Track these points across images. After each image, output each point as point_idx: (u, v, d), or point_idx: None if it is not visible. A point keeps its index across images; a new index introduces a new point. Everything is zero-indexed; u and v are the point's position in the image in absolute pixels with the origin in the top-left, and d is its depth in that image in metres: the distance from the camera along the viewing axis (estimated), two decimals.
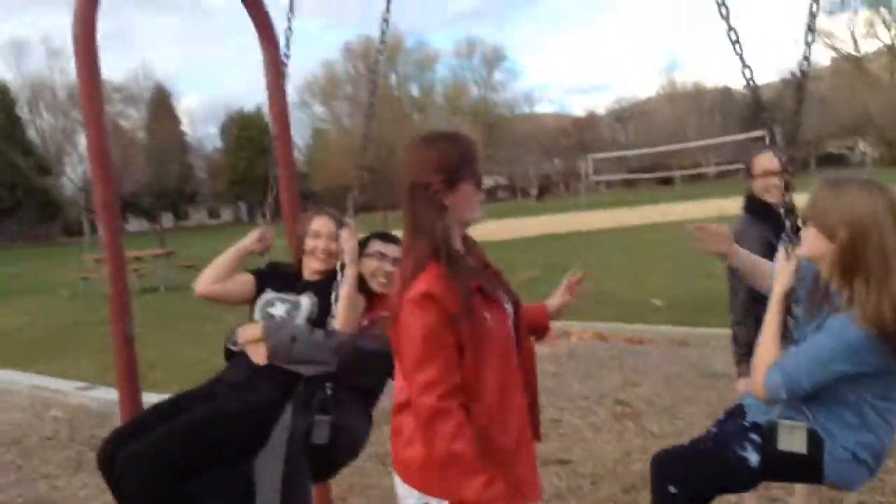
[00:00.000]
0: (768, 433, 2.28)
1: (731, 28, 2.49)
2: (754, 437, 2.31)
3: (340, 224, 2.88)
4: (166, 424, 2.56)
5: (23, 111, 61.17)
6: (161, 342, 9.03)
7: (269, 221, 3.29)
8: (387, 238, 2.93)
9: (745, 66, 2.50)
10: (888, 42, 68.63)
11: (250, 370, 2.71)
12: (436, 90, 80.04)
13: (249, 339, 2.73)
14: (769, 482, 2.97)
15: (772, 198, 3.21)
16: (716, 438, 2.43)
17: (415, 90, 77.06)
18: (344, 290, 2.69)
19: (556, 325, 2.54)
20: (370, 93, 3.02)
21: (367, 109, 3.01)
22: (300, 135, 51.31)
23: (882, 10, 67.30)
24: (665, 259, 13.40)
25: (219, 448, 2.56)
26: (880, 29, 68.65)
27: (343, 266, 2.73)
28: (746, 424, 2.37)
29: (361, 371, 2.67)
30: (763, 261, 2.59)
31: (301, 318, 2.83)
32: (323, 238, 2.97)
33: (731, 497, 3.33)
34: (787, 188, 2.39)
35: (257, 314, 2.90)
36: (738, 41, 2.50)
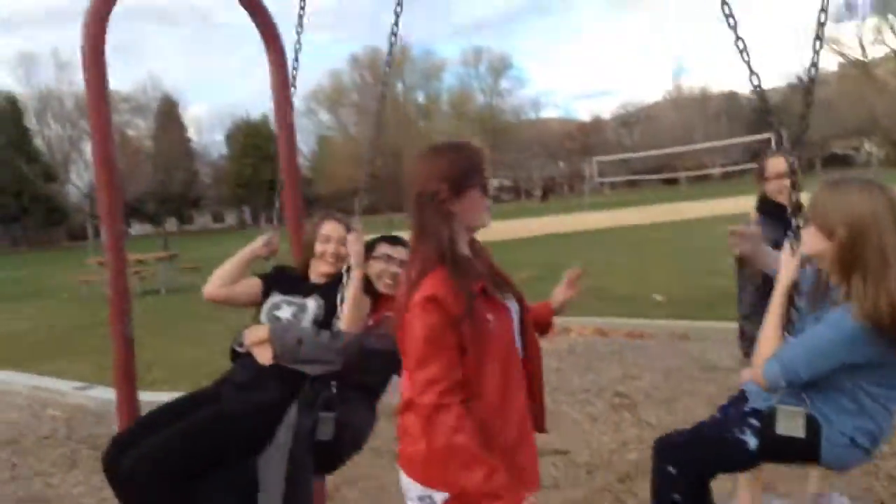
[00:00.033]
0: (768, 418, 2.37)
1: (738, 38, 2.57)
2: (754, 421, 2.40)
3: (349, 228, 2.93)
4: (172, 426, 2.60)
5: (31, 122, 61.67)
6: (160, 343, 9.02)
7: (276, 226, 3.36)
8: (394, 241, 2.98)
9: (752, 73, 2.58)
10: (895, 47, 68.71)
11: (256, 371, 2.76)
12: (442, 98, 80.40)
13: (256, 340, 2.80)
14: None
15: (784, 199, 3.27)
16: (717, 423, 2.52)
17: (421, 98, 77.37)
18: (350, 292, 2.74)
19: (556, 322, 2.55)
20: (379, 104, 3.11)
21: (375, 118, 3.14)
22: (305, 142, 51.87)
23: (890, 16, 67.44)
24: (666, 257, 13.36)
25: (224, 448, 2.60)
26: (888, 35, 68.78)
27: (349, 269, 2.79)
28: (747, 410, 2.46)
29: (366, 370, 2.70)
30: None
31: (307, 320, 2.88)
32: (333, 242, 3.04)
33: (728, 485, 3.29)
34: (794, 187, 2.45)
35: (264, 317, 2.95)
36: (745, 50, 2.56)
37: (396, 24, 2.83)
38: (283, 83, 3.49)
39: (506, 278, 2.18)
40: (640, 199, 45.72)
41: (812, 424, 2.30)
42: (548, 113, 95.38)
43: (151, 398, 6.02)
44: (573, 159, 71.26)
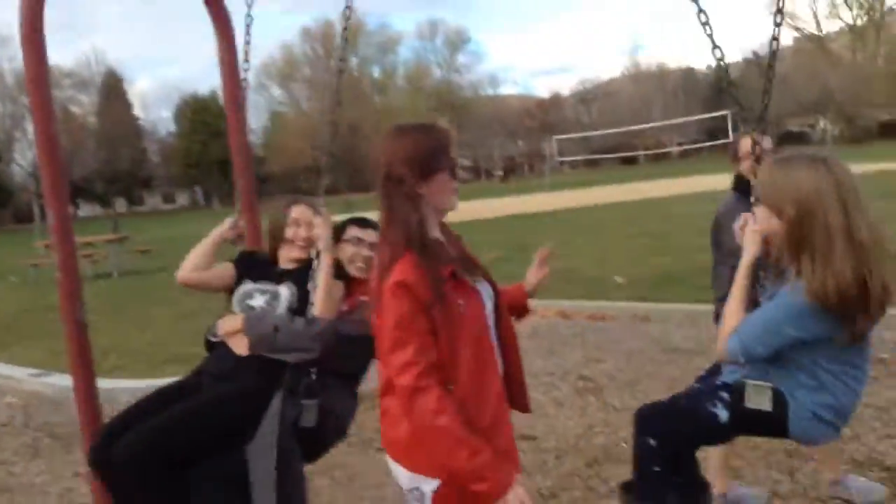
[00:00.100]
0: (737, 392, 2.42)
1: (700, 10, 2.55)
2: (724, 395, 2.45)
3: (317, 212, 2.90)
4: (157, 417, 2.58)
5: None
6: (115, 328, 8.84)
7: (241, 208, 3.33)
8: (363, 223, 2.95)
9: (715, 46, 2.57)
10: (850, 22, 70.06)
11: (234, 361, 2.75)
12: (398, 72, 79.66)
13: (230, 331, 2.79)
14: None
15: None
16: (691, 396, 2.57)
17: (376, 72, 76.61)
18: (321, 278, 2.72)
19: (530, 304, 2.57)
20: (336, 81, 3.04)
21: (333, 97, 3.09)
22: (257, 118, 51.09)
23: None
24: (628, 238, 13.48)
25: (211, 438, 2.59)
26: (843, 9, 70.07)
27: (318, 254, 2.75)
28: (718, 383, 2.53)
29: (344, 355, 2.69)
30: None
31: (281, 307, 2.86)
32: (302, 226, 3.00)
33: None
34: (758, 162, 2.49)
35: (236, 306, 2.92)
36: (707, 22, 2.54)
37: None
38: (230, 56, 3.42)
39: (477, 262, 2.17)
40: (601, 179, 46.09)
41: (779, 399, 2.36)
42: (506, 90, 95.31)
43: (111, 385, 5.96)
44: (532, 138, 71.46)
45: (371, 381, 2.76)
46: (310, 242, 2.94)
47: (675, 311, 7.04)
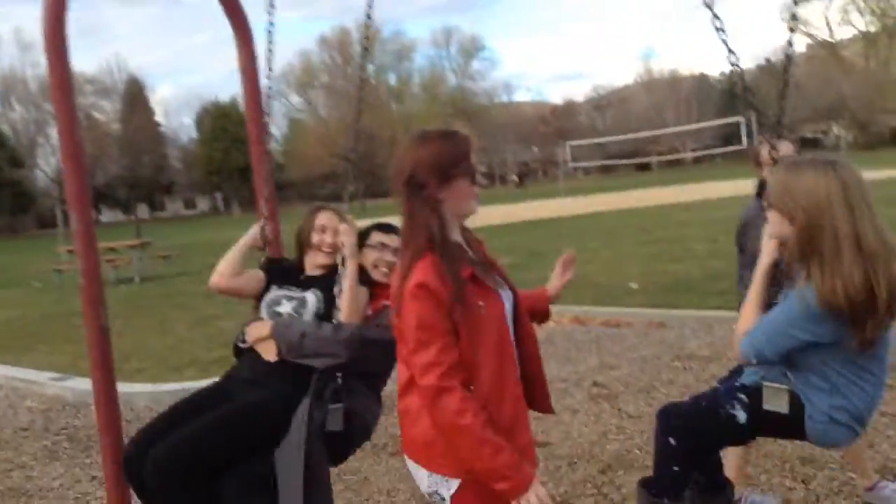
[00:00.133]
0: (755, 394, 2.44)
1: (715, 16, 2.57)
2: (743, 397, 2.48)
3: (343, 219, 2.94)
4: (188, 425, 2.63)
5: None
6: (136, 332, 8.95)
7: (268, 215, 3.36)
8: (387, 229, 2.98)
9: (730, 52, 2.58)
10: (862, 28, 69.64)
11: (263, 366, 2.81)
12: (413, 79, 79.90)
13: (259, 337, 2.84)
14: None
15: None
16: (711, 397, 2.59)
17: (392, 79, 76.85)
18: (346, 284, 2.76)
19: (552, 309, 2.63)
20: (357, 91, 3.14)
21: (354, 106, 3.09)
22: (276, 125, 51.43)
23: None
24: (642, 244, 13.46)
25: (241, 444, 2.64)
26: (854, 16, 69.59)
27: (344, 260, 2.80)
28: (737, 385, 2.56)
29: (369, 360, 2.73)
30: None
31: (308, 314, 2.90)
32: (328, 233, 3.04)
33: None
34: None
35: (264, 312, 2.96)
36: (722, 28, 2.56)
37: (370, 5, 2.81)
38: (250, 64, 3.44)
39: (497, 266, 2.21)
40: (615, 185, 46.00)
41: (795, 401, 2.37)
42: (520, 96, 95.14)
43: (130, 389, 6.05)
44: (547, 144, 71.36)
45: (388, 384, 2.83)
46: (335, 249, 2.97)
47: (690, 317, 7.05)
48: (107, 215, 65.50)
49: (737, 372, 2.71)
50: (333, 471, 4.06)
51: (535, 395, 2.23)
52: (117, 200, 63.45)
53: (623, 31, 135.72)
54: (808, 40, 68.15)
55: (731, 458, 3.33)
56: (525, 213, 25.67)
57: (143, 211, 65.50)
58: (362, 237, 2.96)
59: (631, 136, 49.02)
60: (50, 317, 11.07)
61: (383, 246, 2.94)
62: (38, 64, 53.08)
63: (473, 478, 1.96)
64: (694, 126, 51.64)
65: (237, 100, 54.94)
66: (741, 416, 2.46)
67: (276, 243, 3.46)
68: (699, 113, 66.38)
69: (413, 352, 1.96)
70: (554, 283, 2.59)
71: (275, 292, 3.01)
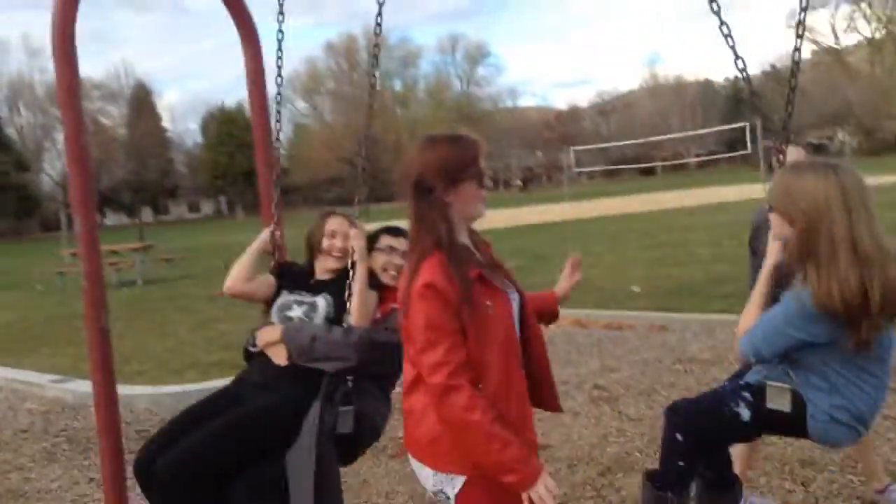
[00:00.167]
0: (758, 392, 2.48)
1: (722, 23, 2.60)
2: (747, 395, 2.51)
3: (353, 223, 2.98)
4: (200, 430, 2.66)
5: (2, 110, 60.69)
6: (138, 334, 8.95)
7: (277, 220, 3.39)
8: (396, 232, 3.01)
9: (737, 57, 2.62)
10: (868, 35, 69.71)
11: (274, 370, 2.82)
12: (419, 85, 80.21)
13: (269, 341, 2.85)
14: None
15: None
16: (718, 394, 2.62)
17: (398, 85, 77.12)
18: (356, 288, 2.79)
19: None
20: (368, 98, 3.10)
21: (365, 111, 3.12)
22: (282, 130, 51.05)
23: (863, 4, 68.30)
24: (645, 248, 13.44)
25: (253, 449, 2.66)
26: (860, 23, 69.70)
27: (353, 264, 2.83)
28: (742, 383, 2.59)
29: (378, 362, 2.75)
30: None
31: (319, 318, 2.92)
32: (338, 237, 3.06)
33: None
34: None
35: (275, 317, 2.98)
36: (729, 34, 2.59)
37: (380, 14, 2.84)
38: (257, 69, 3.46)
39: (504, 268, 2.23)
40: (619, 190, 46.00)
41: (798, 400, 2.40)
42: (525, 102, 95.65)
43: (130, 391, 6.05)
44: (551, 149, 71.41)
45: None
46: (345, 253, 3.00)
47: (691, 320, 7.03)
48: (111, 218, 65.77)
49: (744, 371, 2.72)
50: None
51: (544, 395, 2.25)
52: (122, 204, 63.65)
53: (628, 36, 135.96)
54: (814, 47, 68.32)
55: (734, 459, 3.32)
56: (529, 217, 25.68)
57: (147, 214, 65.74)
58: (371, 241, 2.98)
59: (635, 141, 49.01)
60: (52, 319, 11.09)
61: (392, 249, 2.96)
62: (45, 69, 53.67)
63: (483, 472, 1.98)
64: (699, 131, 51.61)
65: (243, 105, 55.16)
66: (745, 414, 2.49)
67: (280, 247, 3.46)
68: (704, 118, 66.52)
69: (421, 351, 1.97)
70: (562, 284, 2.63)
71: (285, 297, 3.03)
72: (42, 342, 9.15)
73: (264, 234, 3.28)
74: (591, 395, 5.22)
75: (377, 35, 2.92)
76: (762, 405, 2.47)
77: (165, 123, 71.31)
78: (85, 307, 3.01)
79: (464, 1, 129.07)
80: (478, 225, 2.20)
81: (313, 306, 2.96)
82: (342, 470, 4.02)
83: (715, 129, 49.51)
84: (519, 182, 72.32)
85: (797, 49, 2.65)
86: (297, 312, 2.95)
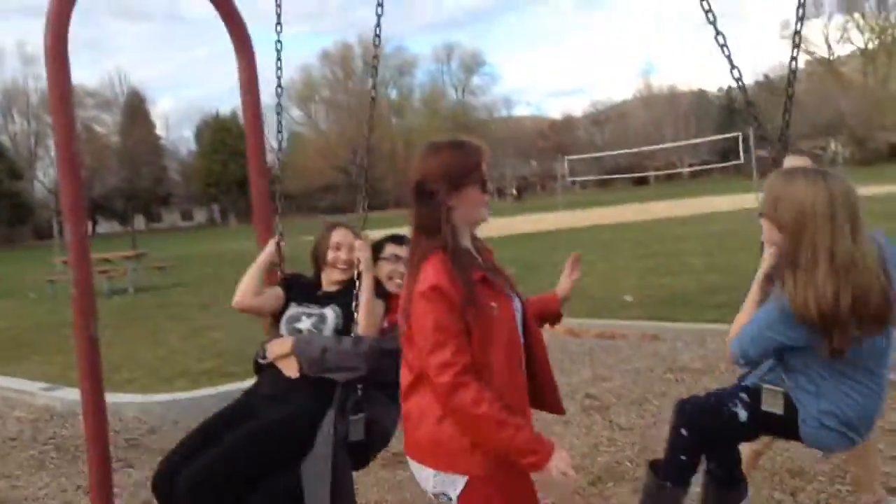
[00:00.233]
0: (755, 394, 2.55)
1: (718, 32, 2.64)
2: (744, 396, 2.59)
3: (357, 235, 3.03)
4: (219, 443, 2.70)
5: None
6: (128, 342, 8.91)
7: (281, 231, 3.44)
8: (400, 240, 3.04)
9: (733, 66, 2.66)
10: (861, 45, 70.23)
11: (285, 382, 2.86)
12: (414, 94, 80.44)
13: (280, 354, 2.89)
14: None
15: None
16: (721, 394, 2.69)
17: (393, 94, 77.28)
18: (363, 298, 2.85)
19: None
20: (369, 109, 3.16)
21: (367, 123, 3.18)
22: (276, 138, 51.05)
23: (856, 15, 68.87)
24: (638, 257, 13.45)
25: (269, 461, 2.71)
26: (854, 33, 70.24)
27: (360, 275, 2.88)
28: (741, 385, 2.67)
29: (387, 370, 2.76)
30: None
31: (328, 329, 2.96)
32: (344, 249, 3.10)
33: None
34: None
35: (284, 329, 3.01)
36: (725, 44, 2.64)
37: (378, 25, 2.91)
38: (250, 77, 3.50)
39: (504, 273, 2.27)
40: (612, 199, 46.09)
41: (790, 403, 2.45)
42: (520, 111, 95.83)
43: (118, 399, 6.01)
44: (545, 158, 71.61)
45: None
46: (351, 265, 3.05)
47: (683, 330, 7.03)
48: (103, 226, 65.61)
49: (750, 372, 2.79)
50: None
51: (547, 398, 2.31)
52: (114, 212, 63.50)
53: (623, 47, 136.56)
54: (808, 57, 68.76)
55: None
56: (523, 226, 25.70)
57: (139, 222, 65.63)
58: (376, 250, 3.02)
59: (629, 150, 49.18)
60: (42, 327, 11.03)
61: (397, 258, 3.00)
62: (39, 77, 53.47)
63: (503, 460, 2.02)
64: (692, 141, 51.82)
65: (237, 113, 55.17)
66: (742, 414, 2.56)
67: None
68: (697, 128, 66.78)
69: (429, 352, 2.00)
70: (563, 283, 2.68)
71: (294, 309, 3.06)
72: (32, 350, 9.10)
73: (270, 247, 3.30)
74: (582, 405, 5.21)
75: (376, 46, 3.00)
76: (758, 407, 2.53)
77: (159, 131, 71.42)
78: (74, 315, 3.02)
79: (459, 11, 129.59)
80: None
81: (322, 318, 2.99)
82: None
83: (708, 138, 49.71)
84: (513, 191, 72.40)
85: (794, 58, 2.72)
86: (306, 324, 2.99)
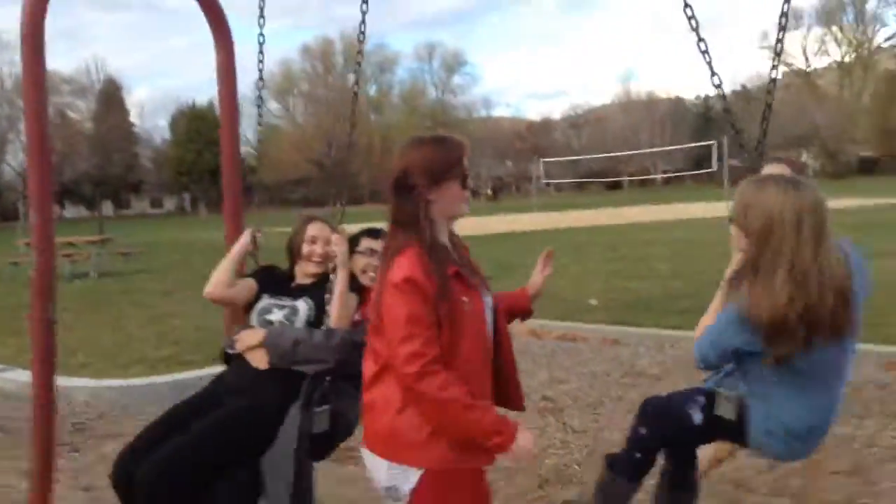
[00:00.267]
0: (711, 397, 2.57)
1: (700, 39, 2.66)
2: (701, 399, 2.61)
3: (333, 229, 3.03)
4: (181, 435, 2.66)
5: None
6: (86, 327, 8.76)
7: (257, 222, 3.42)
8: (376, 234, 3.04)
9: (713, 73, 2.70)
10: (838, 59, 71.24)
11: (253, 373, 2.84)
12: (394, 91, 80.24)
13: (250, 345, 2.87)
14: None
15: None
16: (683, 395, 2.71)
17: (372, 90, 76.99)
18: (337, 292, 2.84)
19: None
20: (351, 104, 3.18)
21: (350, 119, 3.24)
22: (252, 128, 50.71)
23: (834, 28, 69.82)
24: (607, 261, 13.52)
25: (232, 454, 2.68)
26: (831, 46, 71.21)
27: (335, 268, 2.87)
28: (700, 387, 2.70)
29: (356, 362, 2.74)
30: None
31: (300, 322, 2.95)
32: (319, 243, 3.10)
33: None
34: None
35: (255, 320, 3.00)
36: (707, 51, 2.66)
37: (363, 22, 2.90)
38: (228, 67, 3.48)
39: (478, 270, 2.29)
40: (586, 202, 46.34)
41: (742, 408, 2.47)
42: (499, 112, 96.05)
43: (70, 383, 5.91)
44: (522, 159, 71.83)
45: None
46: (326, 258, 3.05)
47: (644, 335, 7.07)
48: (71, 211, 64.76)
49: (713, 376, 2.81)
50: None
51: (510, 394, 2.33)
52: (83, 197, 62.58)
53: (604, 51, 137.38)
54: (785, 68, 69.71)
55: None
56: (497, 226, 25.71)
57: (108, 208, 64.80)
58: (351, 244, 3.02)
59: (603, 155, 49.48)
60: (2, 309, 10.81)
61: (372, 252, 2.99)
62: (14, 62, 52.43)
63: (470, 445, 2.04)
64: (667, 148, 52.29)
65: (214, 103, 54.70)
66: (697, 417, 2.58)
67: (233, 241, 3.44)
68: (673, 135, 67.27)
69: (399, 342, 2.00)
70: (535, 279, 2.69)
71: (266, 300, 3.05)
72: None
73: (245, 237, 3.26)
74: (537, 406, 5.21)
75: (361, 42, 3.00)
76: (712, 411, 2.54)
77: (134, 119, 70.35)
78: (31, 297, 2.99)
79: (442, 10, 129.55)
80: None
81: (294, 310, 2.98)
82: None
83: (682, 146, 50.18)
84: (489, 191, 72.53)
85: (774, 66, 2.78)
86: (277, 316, 2.97)
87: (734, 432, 2.55)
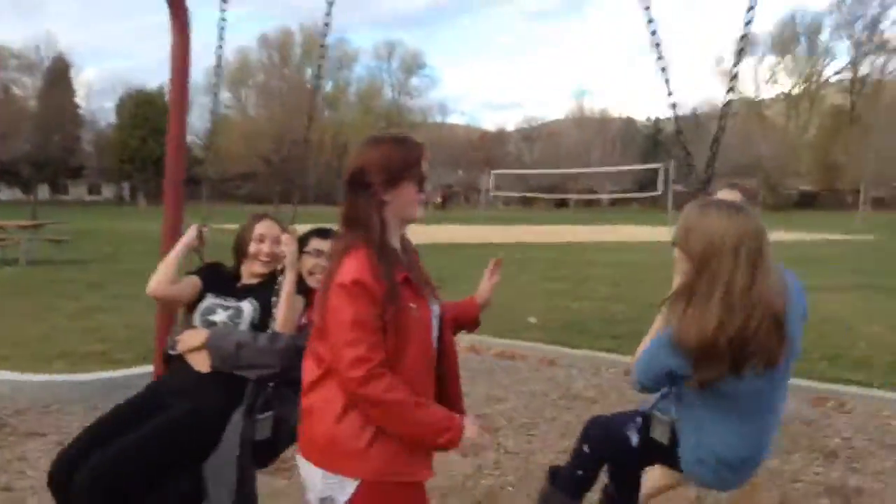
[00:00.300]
0: (647, 420, 2.60)
1: (660, 57, 2.68)
2: (639, 421, 2.64)
3: (283, 228, 2.95)
4: (120, 439, 2.56)
5: None
6: (10, 318, 8.40)
7: (202, 216, 3.32)
8: (325, 234, 2.97)
9: (670, 93, 2.75)
10: (787, 90, 73.29)
11: (195, 376, 2.76)
12: (350, 89, 79.80)
13: (192, 346, 2.76)
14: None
15: None
16: (624, 417, 2.73)
17: (329, 86, 76.49)
18: (284, 294, 2.79)
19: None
20: (310, 99, 3.09)
21: (307, 115, 3.23)
22: (202, 118, 50.05)
23: (787, 57, 71.75)
24: (549, 279, 13.59)
25: (174, 457, 2.60)
26: (781, 76, 73.18)
27: (283, 269, 2.80)
28: (639, 410, 2.71)
29: (300, 368, 2.66)
30: None
31: (244, 323, 2.87)
32: (267, 241, 3.01)
33: None
34: None
35: (197, 320, 2.89)
36: (665, 69, 2.70)
37: (329, 13, 2.86)
38: (183, 50, 3.40)
39: (427, 276, 2.27)
40: (533, 218, 46.78)
41: (674, 433, 2.49)
42: (454, 119, 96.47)
43: None
44: (473, 169, 72.16)
45: None
46: (273, 258, 2.96)
47: (581, 357, 7.09)
48: (5, 193, 62.60)
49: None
50: (280, 466, 3.88)
51: (452, 404, 2.28)
52: (19, 179, 60.44)
53: (560, 67, 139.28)
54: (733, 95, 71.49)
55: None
56: (442, 235, 25.72)
57: (44, 192, 62.76)
58: (300, 243, 2.94)
59: (553, 171, 50.05)
60: None
61: (319, 252, 2.93)
62: None
63: (419, 447, 2.04)
64: (616, 168, 53.17)
65: (164, 89, 53.51)
66: (634, 439, 2.61)
67: (175, 238, 3.34)
68: (623, 156, 68.47)
69: (343, 345, 1.97)
70: (483, 287, 2.68)
71: (210, 300, 2.94)
72: None
73: (192, 232, 3.15)
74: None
75: (324, 35, 2.96)
76: (648, 433, 2.56)
77: (79, 100, 68.27)
78: None
79: (405, 10, 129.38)
80: None
81: (238, 311, 2.88)
82: (291, 463, 3.88)
83: (628, 167, 51.09)
84: (438, 199, 72.66)
85: (731, 89, 2.79)
86: (221, 317, 2.87)
87: (668, 456, 2.55)
